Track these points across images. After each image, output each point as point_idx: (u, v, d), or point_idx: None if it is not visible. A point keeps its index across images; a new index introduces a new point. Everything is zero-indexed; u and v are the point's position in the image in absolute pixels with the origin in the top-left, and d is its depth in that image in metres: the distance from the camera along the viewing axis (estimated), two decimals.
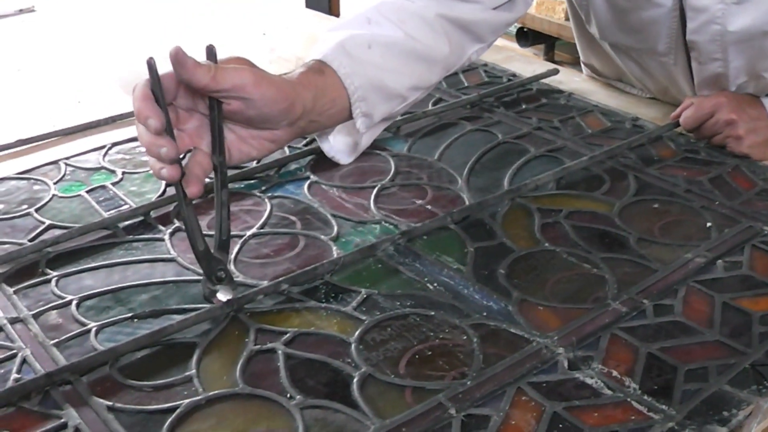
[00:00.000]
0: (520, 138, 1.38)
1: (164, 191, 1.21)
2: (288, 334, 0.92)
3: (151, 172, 0.94)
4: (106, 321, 0.95)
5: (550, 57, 3.44)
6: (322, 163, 1.29)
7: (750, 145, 1.32)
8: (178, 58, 0.91)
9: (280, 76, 1.04)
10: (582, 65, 1.72)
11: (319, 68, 1.10)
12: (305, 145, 1.34)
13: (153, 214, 1.16)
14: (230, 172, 1.23)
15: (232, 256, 1.06)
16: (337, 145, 1.23)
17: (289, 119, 1.03)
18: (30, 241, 1.09)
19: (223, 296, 0.95)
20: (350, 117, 1.15)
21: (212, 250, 0.95)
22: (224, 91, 0.95)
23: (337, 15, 3.71)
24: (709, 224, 1.13)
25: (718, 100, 1.34)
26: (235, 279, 1.01)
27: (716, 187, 1.23)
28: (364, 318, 0.95)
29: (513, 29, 3.45)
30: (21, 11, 2.13)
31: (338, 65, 1.11)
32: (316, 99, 1.07)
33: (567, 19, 3.12)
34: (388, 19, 1.19)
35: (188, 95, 0.96)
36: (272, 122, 1.02)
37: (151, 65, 0.90)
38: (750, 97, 1.37)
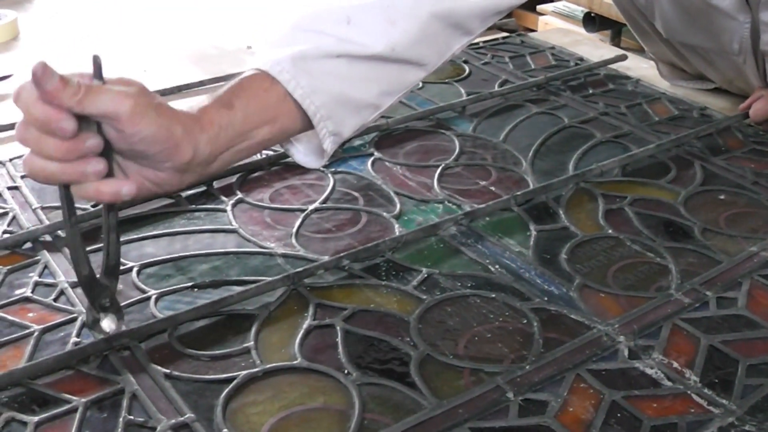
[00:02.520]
0: (586, 122, 1.37)
1: None
2: (347, 310, 0.92)
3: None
4: (166, 289, 0.95)
5: (616, 43, 3.39)
6: (387, 140, 1.29)
7: None
8: (41, 76, 0.74)
9: (177, 110, 0.86)
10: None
11: (229, 99, 0.91)
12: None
13: (216, 184, 1.16)
14: None
15: (294, 230, 1.06)
16: (306, 150, 1.03)
17: (174, 163, 0.84)
18: (93, 206, 1.10)
19: (107, 326, 0.84)
20: (305, 130, 0.98)
21: (99, 275, 0.84)
22: (95, 116, 0.77)
23: None
24: None
25: None
26: (296, 252, 1.01)
27: None
28: (424, 297, 0.94)
29: (580, 13, 3.42)
30: None
31: (294, 86, 0.93)
32: (217, 140, 0.88)
33: None
34: (375, 19, 1.01)
35: None
36: (152, 162, 0.83)
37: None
38: None
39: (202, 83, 1.47)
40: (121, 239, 1.02)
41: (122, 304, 0.92)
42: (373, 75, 1.01)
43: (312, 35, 0.97)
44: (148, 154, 0.81)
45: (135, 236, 1.05)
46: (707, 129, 1.33)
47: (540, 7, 3.71)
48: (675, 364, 0.86)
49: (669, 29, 1.43)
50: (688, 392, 0.82)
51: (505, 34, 1.79)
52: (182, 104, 1.37)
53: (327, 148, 0.99)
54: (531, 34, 1.82)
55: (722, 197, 1.17)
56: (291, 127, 0.96)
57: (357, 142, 1.28)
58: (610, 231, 1.08)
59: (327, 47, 0.97)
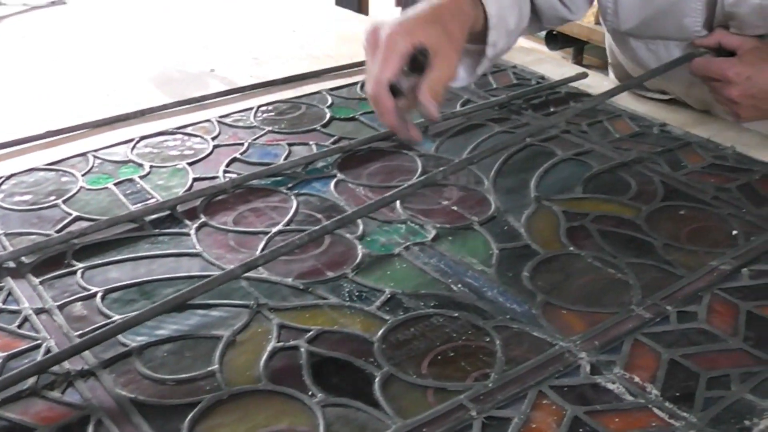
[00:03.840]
0: (547, 141, 1.38)
1: (191, 186, 1.22)
2: (311, 332, 0.92)
3: None
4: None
5: (578, 60, 3.43)
6: (349, 161, 1.30)
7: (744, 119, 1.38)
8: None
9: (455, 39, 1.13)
10: (609, 67, 1.72)
11: (471, 22, 1.19)
12: (333, 143, 1.35)
13: (180, 208, 1.16)
14: (257, 169, 1.24)
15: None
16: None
17: None
18: (57, 232, 1.10)
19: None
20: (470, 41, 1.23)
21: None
22: None
23: (367, 13, 3.70)
24: (735, 232, 1.13)
25: (732, 71, 1.31)
26: (259, 275, 1.02)
27: (744, 195, 1.22)
28: (387, 317, 0.95)
29: (542, 32, 3.44)
30: (53, 3, 2.14)
31: None
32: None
33: (597, 23, 3.12)
34: None
35: None
36: None
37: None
38: None
39: (165, 107, 1.47)
40: (85, 264, 1.03)
41: (87, 329, 0.92)
42: (513, 8, 1.28)
43: None
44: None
45: (99, 261, 1.05)
46: (593, 100, 1.35)
47: None
48: (636, 379, 0.86)
49: (628, 16, 1.44)
50: (650, 406, 0.83)
51: None
52: (146, 128, 1.38)
53: (489, 54, 1.25)
54: None
55: (683, 213, 1.18)
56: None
57: (320, 164, 1.29)
58: (571, 248, 1.09)
59: None
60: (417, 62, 1.07)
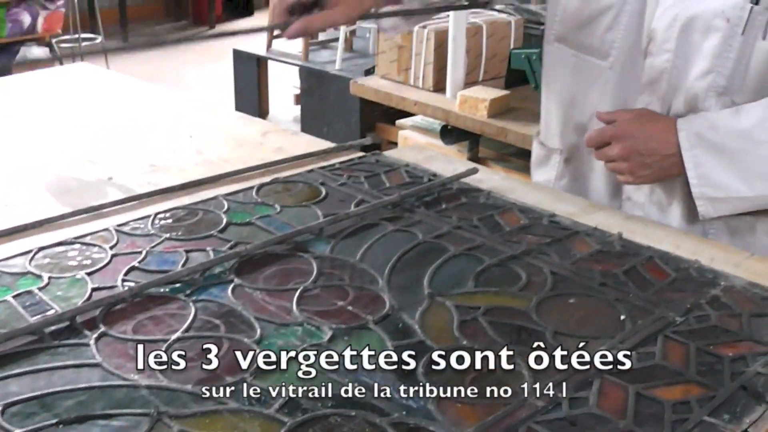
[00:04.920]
0: (440, 237, 1.41)
1: (90, 296, 1.22)
2: None
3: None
4: (31, 428, 0.95)
5: (474, 153, 3.49)
6: (246, 265, 1.31)
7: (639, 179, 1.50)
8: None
9: None
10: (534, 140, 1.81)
11: None
12: (230, 248, 1.36)
13: (79, 318, 1.16)
14: (155, 277, 1.25)
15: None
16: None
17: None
18: None
19: None
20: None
21: None
22: None
23: (266, 116, 3.74)
24: (622, 317, 1.16)
25: (619, 129, 1.47)
26: (159, 383, 1.03)
27: (630, 279, 1.26)
28: (286, 420, 0.96)
29: (438, 126, 3.50)
30: None
31: None
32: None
33: (489, 116, 3.19)
34: None
35: None
36: None
37: None
38: (660, 130, 1.45)
39: (63, 216, 1.48)
40: None
41: None
42: None
43: None
44: None
45: None
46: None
47: (399, 122, 3.80)
48: None
49: (566, 20, 1.60)
50: None
51: (361, 154, 1.82)
52: (44, 239, 1.38)
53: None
54: (386, 153, 1.85)
55: (572, 301, 1.22)
56: None
57: (217, 270, 1.30)
58: (464, 342, 1.12)
59: None
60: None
